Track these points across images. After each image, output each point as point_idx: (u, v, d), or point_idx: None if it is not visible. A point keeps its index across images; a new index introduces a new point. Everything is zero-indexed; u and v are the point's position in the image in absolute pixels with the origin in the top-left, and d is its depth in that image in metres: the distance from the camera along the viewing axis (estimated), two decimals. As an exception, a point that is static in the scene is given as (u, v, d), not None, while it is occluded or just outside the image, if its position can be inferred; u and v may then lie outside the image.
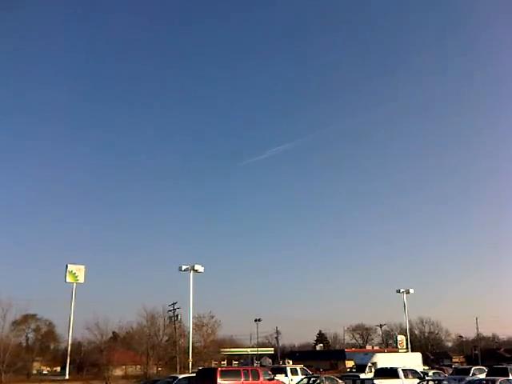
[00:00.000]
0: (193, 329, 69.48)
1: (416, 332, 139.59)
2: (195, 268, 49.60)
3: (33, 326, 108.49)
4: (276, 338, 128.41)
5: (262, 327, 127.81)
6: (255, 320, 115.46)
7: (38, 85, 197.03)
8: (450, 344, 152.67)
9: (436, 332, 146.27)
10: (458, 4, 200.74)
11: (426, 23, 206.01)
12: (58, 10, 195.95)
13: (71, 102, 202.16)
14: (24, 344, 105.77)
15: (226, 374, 31.80)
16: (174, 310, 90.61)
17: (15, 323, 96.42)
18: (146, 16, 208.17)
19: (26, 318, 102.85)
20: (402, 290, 76.63)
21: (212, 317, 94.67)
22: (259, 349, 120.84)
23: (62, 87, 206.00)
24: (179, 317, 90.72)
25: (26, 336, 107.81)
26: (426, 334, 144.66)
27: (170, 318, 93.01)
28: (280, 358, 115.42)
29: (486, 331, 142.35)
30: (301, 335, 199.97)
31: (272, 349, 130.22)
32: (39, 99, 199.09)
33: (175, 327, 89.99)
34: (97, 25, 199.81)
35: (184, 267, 49.70)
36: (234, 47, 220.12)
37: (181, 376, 38.06)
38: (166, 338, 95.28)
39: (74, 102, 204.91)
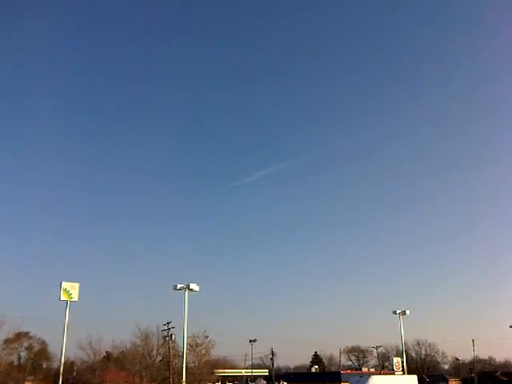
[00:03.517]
0: (187, 349, 68.76)
1: (412, 354, 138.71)
2: (190, 287, 49.00)
3: (25, 344, 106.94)
4: (271, 359, 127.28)
5: (256, 348, 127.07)
6: (250, 341, 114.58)
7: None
8: (446, 366, 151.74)
9: (432, 354, 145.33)
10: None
11: (423, 42, 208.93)
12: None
13: (68, 119, 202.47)
14: (16, 363, 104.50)
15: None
16: (169, 329, 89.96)
17: (7, 341, 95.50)
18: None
19: (19, 336, 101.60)
20: (398, 312, 76.09)
21: (206, 337, 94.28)
22: (254, 370, 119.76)
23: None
24: (173, 336, 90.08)
25: (19, 354, 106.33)
26: (423, 356, 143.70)
27: (163, 337, 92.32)
28: (275, 379, 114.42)
29: (483, 354, 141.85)
30: (296, 356, 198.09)
31: (267, 370, 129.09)
32: (36, 113, 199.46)
33: (169, 347, 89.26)
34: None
35: (179, 286, 49.14)
36: (229, 69, 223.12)
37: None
38: (160, 357, 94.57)
39: (71, 119, 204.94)
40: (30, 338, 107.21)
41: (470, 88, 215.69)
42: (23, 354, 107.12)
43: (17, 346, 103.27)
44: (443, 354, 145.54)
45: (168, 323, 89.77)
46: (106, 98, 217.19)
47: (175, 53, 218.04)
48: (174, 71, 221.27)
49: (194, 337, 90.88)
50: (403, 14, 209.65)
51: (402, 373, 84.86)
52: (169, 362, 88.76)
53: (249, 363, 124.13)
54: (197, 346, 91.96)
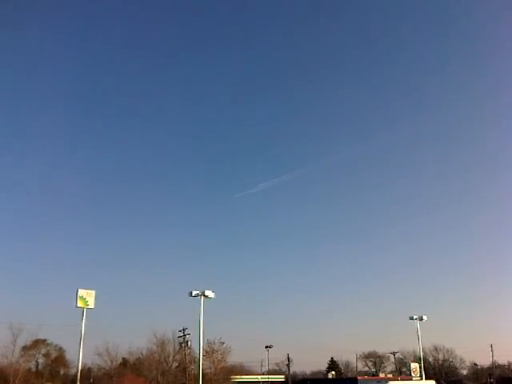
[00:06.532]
0: (203, 355, 68.83)
1: (430, 359, 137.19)
2: (205, 293, 49.09)
3: (43, 351, 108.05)
4: (287, 365, 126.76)
5: (273, 354, 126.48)
6: (266, 347, 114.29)
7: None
8: (464, 372, 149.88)
9: (450, 360, 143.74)
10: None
11: (424, 53, 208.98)
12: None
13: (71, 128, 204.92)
14: (34, 369, 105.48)
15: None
16: (184, 335, 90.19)
17: (25, 348, 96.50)
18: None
19: (37, 343, 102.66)
20: (415, 317, 75.52)
21: (222, 343, 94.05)
22: (270, 376, 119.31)
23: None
24: (189, 343, 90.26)
25: (36, 361, 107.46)
26: (440, 362, 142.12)
27: (180, 343, 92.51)
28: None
29: (502, 359, 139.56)
30: (312, 362, 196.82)
31: (283, 376, 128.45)
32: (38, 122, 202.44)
33: (185, 353, 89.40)
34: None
35: (194, 292, 49.26)
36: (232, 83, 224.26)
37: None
38: (176, 364, 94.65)
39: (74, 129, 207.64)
40: (48, 345, 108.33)
41: (478, 96, 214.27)
42: (41, 360, 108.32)
43: (34, 352, 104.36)
44: (461, 359, 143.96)
45: (184, 329, 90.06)
46: (129, 109, 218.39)
47: (183, 63, 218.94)
48: (180, 82, 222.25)
49: (210, 343, 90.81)
50: (406, 23, 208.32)
51: (419, 378, 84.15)
52: (185, 368, 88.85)
53: (265, 369, 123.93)
54: (213, 352, 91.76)
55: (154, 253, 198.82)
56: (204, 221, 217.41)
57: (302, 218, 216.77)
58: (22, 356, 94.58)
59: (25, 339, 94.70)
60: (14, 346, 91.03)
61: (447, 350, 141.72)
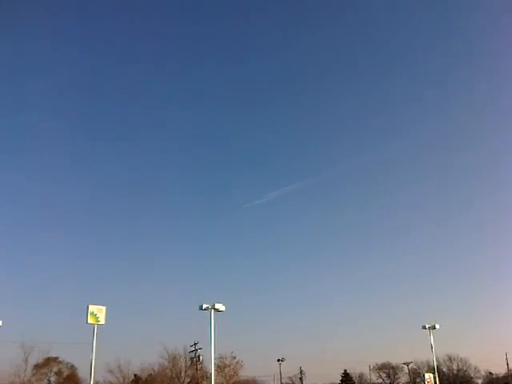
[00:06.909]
0: (215, 370, 68.56)
1: (444, 369, 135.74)
2: (216, 307, 48.94)
3: (55, 369, 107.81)
4: (300, 378, 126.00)
5: (285, 367, 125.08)
6: (278, 360, 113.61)
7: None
8: (479, 381, 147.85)
9: (465, 369, 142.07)
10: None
11: (427, 62, 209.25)
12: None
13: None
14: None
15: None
16: (196, 350, 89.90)
17: (37, 366, 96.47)
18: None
19: (48, 361, 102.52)
20: (427, 326, 74.93)
21: (234, 357, 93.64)
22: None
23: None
24: (201, 358, 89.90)
25: (48, 379, 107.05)
26: (455, 372, 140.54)
27: (191, 358, 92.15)
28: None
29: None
30: (325, 375, 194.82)
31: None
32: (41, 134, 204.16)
33: (197, 368, 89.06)
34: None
35: (204, 306, 49.12)
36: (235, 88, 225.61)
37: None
38: (188, 379, 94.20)
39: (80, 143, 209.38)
40: (60, 362, 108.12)
41: (483, 102, 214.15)
42: (53, 378, 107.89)
43: (46, 371, 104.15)
44: (476, 368, 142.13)
45: (195, 344, 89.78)
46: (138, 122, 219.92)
47: (189, 71, 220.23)
48: (183, 89, 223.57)
49: (222, 357, 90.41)
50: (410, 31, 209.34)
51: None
52: (197, 383, 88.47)
53: (278, 383, 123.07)
54: (225, 366, 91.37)
55: (163, 267, 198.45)
56: (213, 233, 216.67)
57: (309, 228, 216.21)
58: (33, 375, 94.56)
59: (36, 357, 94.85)
60: (25, 364, 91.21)
61: (461, 360, 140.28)
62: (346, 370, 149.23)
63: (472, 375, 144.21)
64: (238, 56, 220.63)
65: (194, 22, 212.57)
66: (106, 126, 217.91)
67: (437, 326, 74.70)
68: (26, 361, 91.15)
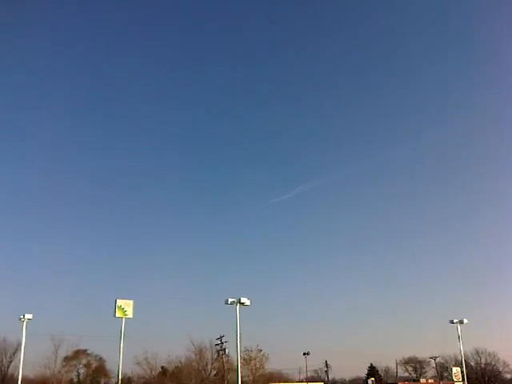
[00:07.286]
0: (240, 363, 69.02)
1: (472, 364, 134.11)
2: (241, 301, 49.11)
3: (84, 361, 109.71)
4: (326, 371, 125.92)
5: (311, 360, 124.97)
6: (304, 353, 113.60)
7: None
8: (508, 376, 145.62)
9: (493, 363, 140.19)
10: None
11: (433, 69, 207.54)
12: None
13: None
14: (75, 379, 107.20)
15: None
16: (222, 343, 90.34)
17: (67, 359, 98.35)
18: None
19: (77, 354, 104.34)
20: (455, 321, 74.14)
21: (260, 350, 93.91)
22: (308, 383, 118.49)
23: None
24: (227, 351, 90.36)
25: (77, 371, 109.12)
26: (483, 366, 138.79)
27: (217, 351, 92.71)
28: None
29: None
30: (351, 368, 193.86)
31: (322, 383, 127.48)
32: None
33: (223, 361, 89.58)
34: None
35: (230, 300, 49.33)
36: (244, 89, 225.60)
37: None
38: (214, 372, 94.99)
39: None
40: (88, 355, 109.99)
41: (493, 111, 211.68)
42: (82, 371, 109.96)
43: (75, 363, 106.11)
44: (504, 362, 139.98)
45: (221, 337, 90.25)
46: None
47: (203, 77, 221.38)
48: (198, 96, 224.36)
49: (248, 350, 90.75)
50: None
51: (462, 383, 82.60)
52: (223, 376, 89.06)
53: (303, 376, 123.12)
54: (251, 359, 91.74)
55: (190, 261, 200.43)
56: (241, 227, 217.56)
57: (333, 224, 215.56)
58: (63, 366, 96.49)
59: (66, 350, 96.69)
60: (55, 356, 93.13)
61: (489, 354, 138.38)
62: (371, 364, 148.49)
63: (500, 369, 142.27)
64: (250, 59, 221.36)
65: (195, 22, 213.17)
66: (106, 121, 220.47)
67: (465, 321, 73.89)
68: (55, 353, 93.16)
